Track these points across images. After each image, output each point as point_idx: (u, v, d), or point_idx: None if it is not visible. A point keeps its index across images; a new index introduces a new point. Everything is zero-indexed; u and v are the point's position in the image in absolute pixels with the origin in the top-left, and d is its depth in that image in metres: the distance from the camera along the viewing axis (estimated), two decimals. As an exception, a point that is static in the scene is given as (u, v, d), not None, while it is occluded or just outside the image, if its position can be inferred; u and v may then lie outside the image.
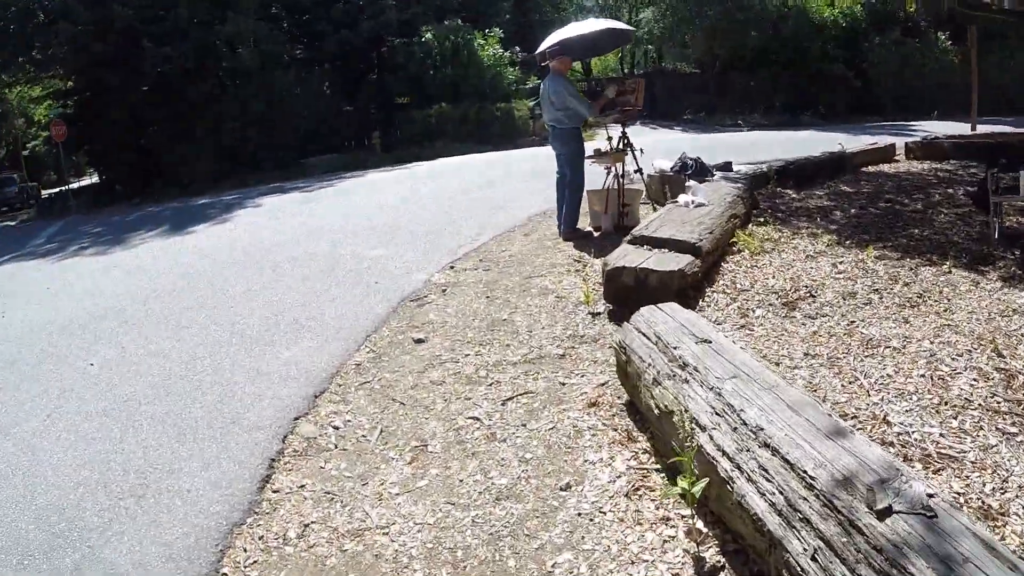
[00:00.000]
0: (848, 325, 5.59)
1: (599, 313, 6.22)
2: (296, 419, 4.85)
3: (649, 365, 3.91)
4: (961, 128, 24.32)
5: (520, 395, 4.84)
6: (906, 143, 16.51)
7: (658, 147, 19.26)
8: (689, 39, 33.82)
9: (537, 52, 9.54)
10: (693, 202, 8.34)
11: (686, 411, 3.45)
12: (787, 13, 33.62)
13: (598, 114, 9.17)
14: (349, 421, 4.78)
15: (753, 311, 6.09)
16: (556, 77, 8.88)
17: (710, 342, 3.83)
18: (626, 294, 6.06)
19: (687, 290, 6.25)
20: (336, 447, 4.48)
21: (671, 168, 11.48)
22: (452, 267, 8.32)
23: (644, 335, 4.21)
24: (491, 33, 27.20)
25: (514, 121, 26.05)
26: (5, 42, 24.57)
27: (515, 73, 27.62)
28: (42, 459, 4.64)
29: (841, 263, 7.34)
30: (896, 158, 16.04)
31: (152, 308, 7.73)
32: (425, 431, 4.54)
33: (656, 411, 3.74)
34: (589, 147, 9.26)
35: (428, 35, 26.29)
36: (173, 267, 9.61)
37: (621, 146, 9.57)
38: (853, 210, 10.18)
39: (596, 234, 9.32)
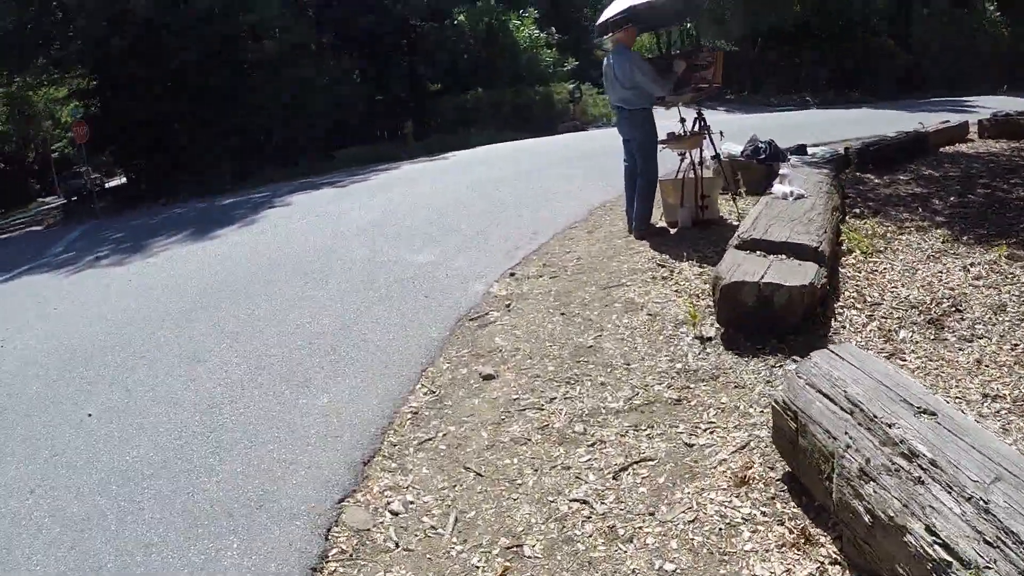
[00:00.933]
0: (1013, 350, 4.56)
1: (709, 339, 5.04)
2: (341, 500, 3.70)
3: (849, 448, 2.71)
4: (1017, 103, 23.14)
5: (636, 463, 3.67)
6: (979, 121, 15.37)
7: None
8: (728, 14, 32.35)
9: (599, 23, 8.36)
10: (792, 193, 7.16)
11: (930, 531, 2.28)
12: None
13: (672, 92, 7.94)
14: (411, 503, 3.62)
15: (896, 332, 4.97)
16: (622, 50, 7.71)
17: (935, 414, 2.64)
18: (745, 315, 4.91)
19: (815, 307, 5.08)
20: (398, 545, 3.32)
21: (741, 152, 10.32)
22: (513, 274, 7.18)
23: (828, 397, 3.00)
24: (526, 14, 25.92)
25: (553, 105, 24.78)
26: (24, 41, 23.60)
27: (552, 55, 26.34)
28: (18, 561, 3.55)
29: (972, 266, 6.26)
30: (970, 137, 14.90)
31: (165, 336, 6.59)
32: (516, 520, 3.38)
33: (868, 518, 2.55)
34: (661, 131, 8.03)
35: (461, 17, 25.05)
36: (193, 281, 8.48)
37: (698, 128, 8.37)
38: (952, 198, 9.10)
39: (672, 230, 8.16)
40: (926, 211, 8.47)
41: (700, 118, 8.33)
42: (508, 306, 6.25)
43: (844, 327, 5.09)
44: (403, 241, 8.89)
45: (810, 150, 12.68)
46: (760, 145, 10.85)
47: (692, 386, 4.43)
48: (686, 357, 4.83)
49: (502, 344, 5.42)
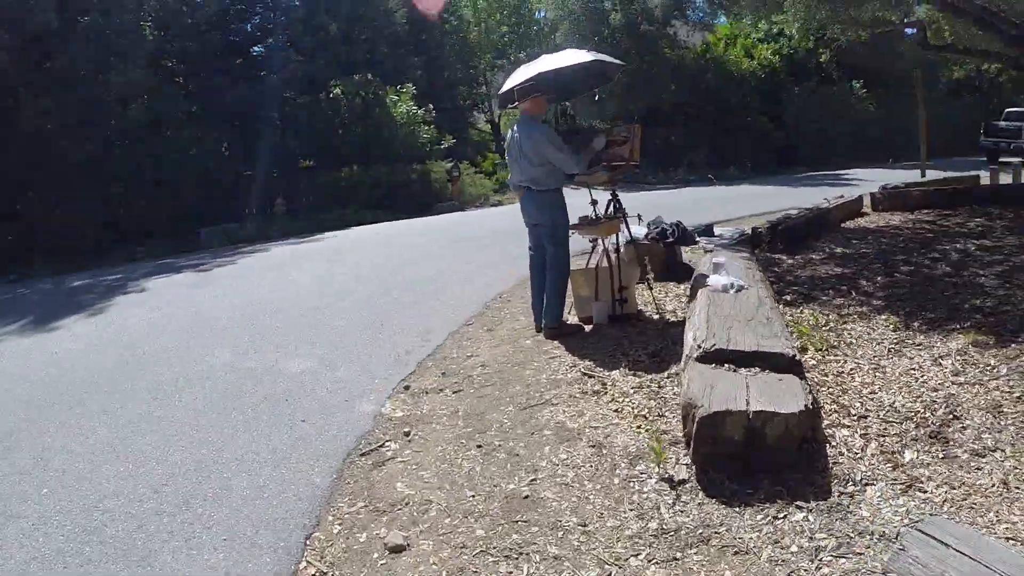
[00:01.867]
0: (1035, 463, 3.82)
1: (682, 482, 3.94)
2: None
3: None
4: (891, 175, 24.11)
5: None
6: (871, 195, 15.48)
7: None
8: (605, 95, 32.33)
9: (502, 91, 7.40)
10: (732, 285, 6.24)
11: None
12: (705, 66, 32.51)
13: (586, 170, 6.99)
14: None
15: (901, 454, 4.13)
16: (530, 123, 6.77)
17: None
18: (729, 453, 3.85)
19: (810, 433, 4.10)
20: None
21: (645, 235, 9.51)
22: (407, 387, 5.96)
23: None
24: (404, 89, 24.97)
25: (430, 184, 23.69)
26: None
27: (430, 131, 25.39)
28: None
29: (942, 358, 5.71)
30: (864, 210, 14.95)
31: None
32: None
33: None
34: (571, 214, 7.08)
35: (336, 90, 23.88)
36: (18, 389, 6.76)
37: (612, 212, 7.44)
38: (879, 278, 8.75)
39: (587, 327, 7.14)
40: (859, 294, 7.99)
41: (614, 200, 7.42)
42: (407, 434, 5.01)
43: (842, 453, 4.13)
44: (273, 342, 7.54)
45: (716, 230, 12.05)
46: (666, 227, 10.07)
47: (680, 556, 3.29)
48: (658, 510, 3.71)
49: (407, 493, 4.16)
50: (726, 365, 4.52)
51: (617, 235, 7.37)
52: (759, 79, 33.68)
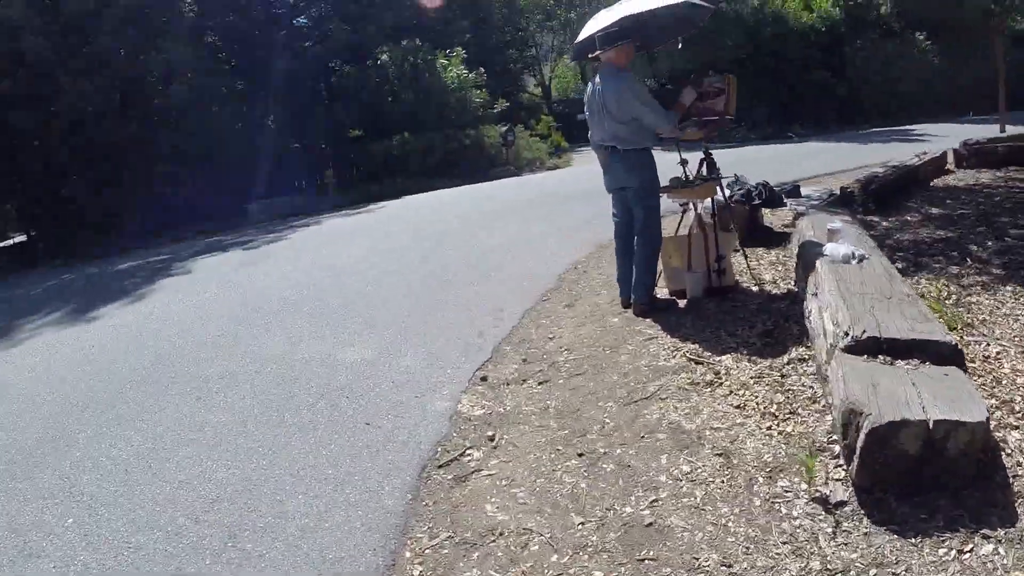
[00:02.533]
0: None
1: (841, 504, 3.14)
2: None
3: None
4: (962, 130, 22.56)
5: None
6: (955, 151, 14.24)
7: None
8: (659, 51, 31.13)
9: (580, 39, 6.57)
10: (854, 255, 5.37)
11: None
12: (764, 19, 31.10)
13: (677, 126, 6.14)
14: None
15: None
16: (615, 74, 5.92)
17: None
18: (902, 470, 3.05)
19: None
20: None
21: (729, 197, 8.62)
22: (485, 379, 5.22)
23: None
24: (453, 53, 24.10)
25: (484, 150, 22.89)
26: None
27: (482, 96, 24.52)
28: None
29: None
30: (949, 167, 13.81)
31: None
32: None
33: None
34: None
35: (384, 57, 23.09)
36: (50, 391, 6.06)
37: (707, 173, 6.59)
38: (989, 243, 7.72)
39: (681, 303, 6.31)
40: (974, 261, 7.01)
41: (708, 158, 6.56)
42: (492, 438, 4.26)
43: (1020, 463, 3.27)
44: (329, 326, 6.84)
45: (803, 191, 11.13)
46: (751, 187, 9.19)
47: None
48: (816, 542, 2.93)
49: (500, 519, 3.41)
50: (880, 357, 3.69)
51: (713, 198, 6.53)
52: (819, 32, 32.15)
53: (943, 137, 21.55)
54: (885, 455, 3.05)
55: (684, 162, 6.47)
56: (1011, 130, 19.10)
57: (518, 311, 6.69)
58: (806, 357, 4.77)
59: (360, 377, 5.43)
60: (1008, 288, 6.13)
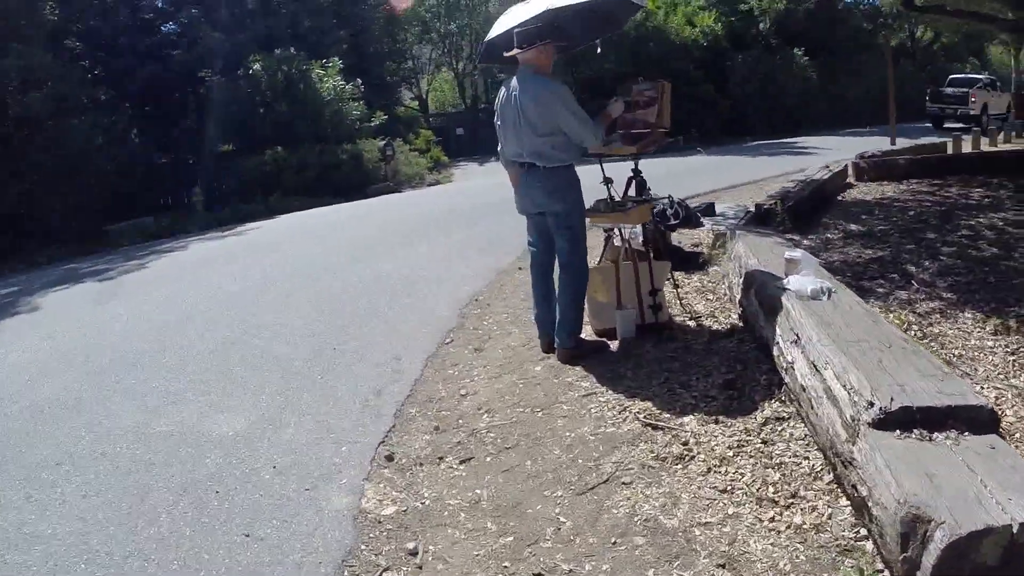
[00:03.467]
0: None
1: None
2: None
3: None
4: (842, 142, 23.96)
5: None
6: (855, 164, 14.08)
7: None
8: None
9: (488, 38, 5.64)
10: (824, 290, 4.60)
11: None
12: (647, 34, 30.91)
13: (604, 140, 5.25)
14: None
15: None
16: (536, 79, 4.99)
17: None
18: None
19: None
20: None
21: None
22: (391, 456, 4.17)
23: None
24: (330, 63, 22.81)
25: (363, 165, 21.57)
26: None
27: (360, 108, 23.28)
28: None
29: None
30: (849, 181, 13.65)
31: None
32: None
33: None
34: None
35: (256, 66, 21.60)
36: None
37: (638, 194, 5.75)
38: (925, 262, 7.32)
39: (612, 344, 5.41)
40: (920, 284, 6.53)
41: (637, 177, 5.72)
42: (413, 553, 3.20)
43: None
44: (194, 385, 5.60)
45: (718, 208, 10.47)
46: (665, 206, 8.42)
47: None
48: None
49: None
50: (915, 431, 2.85)
51: (645, 225, 5.69)
52: (702, 48, 32.46)
53: (828, 150, 21.71)
54: (961, 570, 2.22)
55: (608, 180, 5.60)
56: (900, 142, 19.22)
57: (419, 358, 5.66)
58: (785, 416, 3.97)
59: (233, 459, 4.26)
60: (967, 315, 5.69)
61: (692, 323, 5.85)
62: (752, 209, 9.63)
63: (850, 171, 13.96)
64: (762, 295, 4.93)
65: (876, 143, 20.68)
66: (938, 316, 5.69)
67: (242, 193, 20.33)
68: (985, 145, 21.75)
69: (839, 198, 11.95)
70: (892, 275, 6.95)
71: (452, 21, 32.82)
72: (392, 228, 12.03)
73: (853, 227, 9.45)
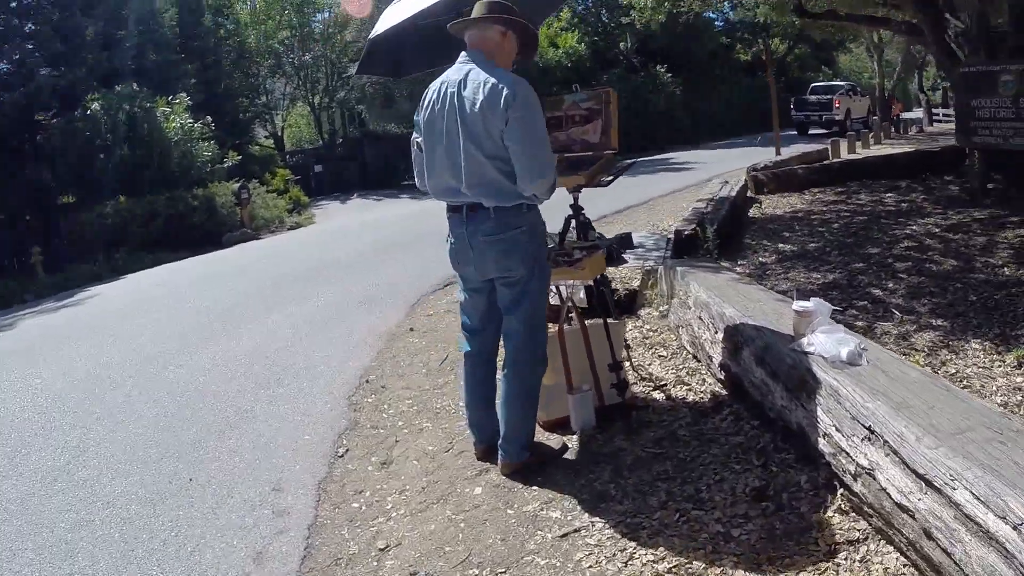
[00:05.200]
0: None
1: None
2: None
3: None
4: (710, 155, 24.74)
5: None
6: (754, 177, 13.26)
7: (416, 226, 14.54)
8: (406, 94, 29.24)
9: (375, 34, 4.17)
10: (859, 351, 3.36)
11: None
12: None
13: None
14: None
15: None
16: (494, 71, 3.42)
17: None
18: None
19: None
20: None
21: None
22: None
23: None
24: (176, 100, 20.72)
25: (216, 211, 19.35)
26: None
27: (211, 149, 21.19)
28: None
29: None
30: (750, 196, 12.78)
31: None
32: None
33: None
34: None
35: (95, 105, 19.28)
36: None
37: (581, 236, 4.39)
38: (889, 283, 6.53)
39: (569, 441, 4.02)
40: (901, 313, 5.63)
41: (578, 216, 4.36)
42: None
43: None
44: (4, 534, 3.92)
45: (635, 238, 9.22)
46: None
47: None
48: None
49: None
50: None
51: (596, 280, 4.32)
52: (565, 68, 31.96)
53: (705, 163, 21.20)
54: None
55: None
56: (769, 151, 18.75)
57: (307, 486, 4.06)
58: (859, 536, 2.84)
59: None
60: (975, 345, 4.84)
61: (658, 395, 4.52)
62: (671, 236, 8.39)
63: (749, 184, 13.09)
64: (773, 363, 3.64)
65: (751, 154, 20.32)
66: (945, 351, 4.77)
67: (83, 251, 17.99)
68: (859, 148, 21.69)
69: (751, 215, 10.96)
70: (861, 302, 6.02)
71: (306, 52, 30.93)
72: (253, 288, 10.01)
73: (783, 247, 8.48)
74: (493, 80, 3.33)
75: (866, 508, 2.85)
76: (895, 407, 2.79)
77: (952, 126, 31.76)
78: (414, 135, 3.72)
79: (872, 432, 2.80)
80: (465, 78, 3.41)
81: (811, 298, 3.73)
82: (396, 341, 6.75)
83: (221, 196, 19.78)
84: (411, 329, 7.09)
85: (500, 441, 3.74)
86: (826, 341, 3.43)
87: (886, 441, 2.71)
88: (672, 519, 3.12)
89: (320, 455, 4.42)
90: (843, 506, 3.01)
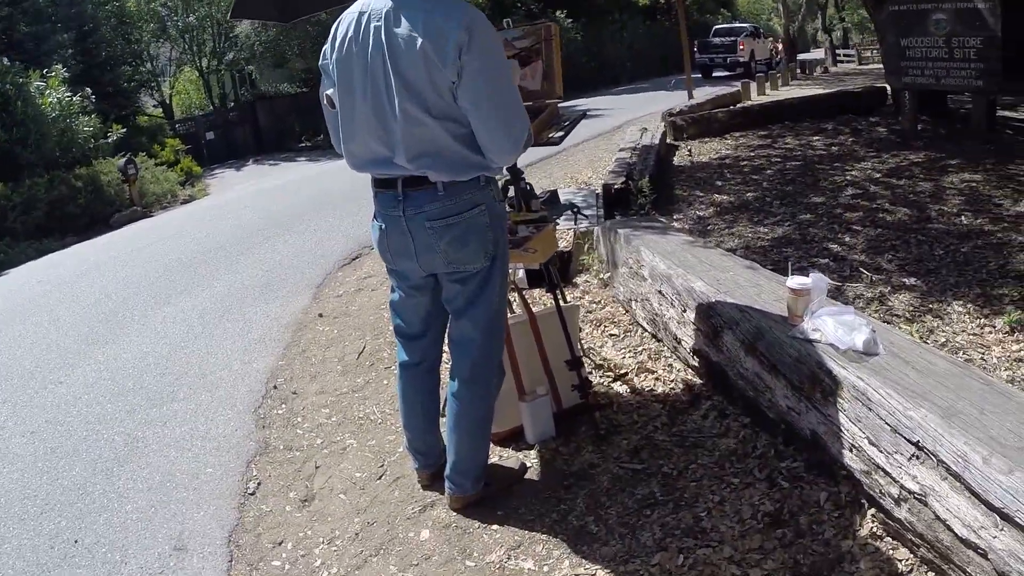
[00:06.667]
0: None
1: None
2: None
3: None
4: (617, 101, 24.40)
5: None
6: (672, 123, 12.63)
7: (315, 191, 13.78)
8: (298, 51, 27.91)
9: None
10: (874, 338, 2.76)
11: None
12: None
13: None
14: None
15: None
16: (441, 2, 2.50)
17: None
18: None
19: None
20: None
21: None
22: None
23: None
24: (52, 73, 19.11)
25: (103, 191, 17.75)
26: None
27: (93, 123, 19.61)
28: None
29: None
30: (670, 143, 12.10)
31: None
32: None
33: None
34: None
35: None
36: None
37: (524, 206, 3.66)
38: (846, 237, 5.99)
39: (526, 458, 3.37)
40: (870, 272, 5.09)
41: (519, 182, 3.65)
42: None
43: None
44: None
45: (562, 195, 8.51)
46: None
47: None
48: None
49: None
50: None
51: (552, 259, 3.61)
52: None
53: (613, 110, 20.60)
54: None
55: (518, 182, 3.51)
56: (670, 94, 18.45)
57: (216, 539, 3.29)
58: (906, 571, 2.32)
59: None
60: (957, 307, 4.35)
61: (620, 387, 3.88)
62: (599, 192, 7.76)
63: (668, 131, 12.59)
64: (770, 353, 3.03)
65: (657, 99, 19.85)
66: (929, 317, 4.26)
67: (-42, 245, 16.39)
68: (767, 90, 21.52)
69: (675, 163, 10.42)
70: (821, 260, 5.46)
71: (191, 13, 29.15)
72: (141, 278, 8.73)
73: (719, 198, 7.96)
74: (437, 13, 2.46)
75: (911, 536, 2.30)
76: (944, 416, 2.22)
77: (855, 66, 32.34)
78: (323, 85, 2.83)
79: (921, 449, 2.22)
80: (396, 6, 2.52)
81: (812, 275, 3.11)
82: (303, 332, 5.96)
83: (106, 174, 18.25)
84: (320, 315, 6.28)
85: (449, 471, 3.02)
86: (836, 327, 2.84)
87: (941, 461, 2.14)
88: (675, 563, 2.50)
89: (227, 493, 3.64)
90: (876, 530, 2.47)
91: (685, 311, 3.82)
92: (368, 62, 2.57)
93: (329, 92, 2.75)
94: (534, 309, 3.52)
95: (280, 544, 3.15)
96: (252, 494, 3.60)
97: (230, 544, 3.22)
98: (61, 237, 15.42)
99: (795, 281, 3.06)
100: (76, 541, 3.43)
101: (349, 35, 2.61)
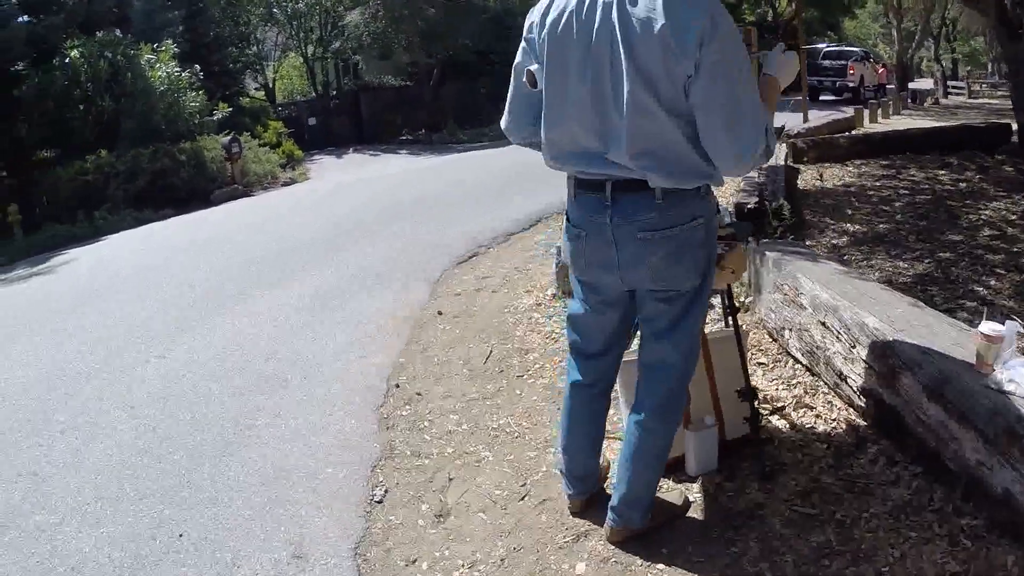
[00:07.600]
0: None
1: None
2: None
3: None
4: None
5: None
6: (793, 144, 12.18)
7: (420, 185, 13.22)
8: (405, 45, 27.96)
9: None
10: None
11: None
12: (515, 9, 28.78)
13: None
14: None
15: None
16: None
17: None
18: None
19: None
20: None
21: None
22: None
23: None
24: (162, 47, 19.41)
25: (205, 167, 17.96)
26: None
27: (200, 99, 19.87)
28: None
29: None
30: (791, 165, 11.75)
31: None
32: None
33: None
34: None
35: (74, 52, 17.93)
36: None
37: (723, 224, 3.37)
38: (991, 280, 5.74)
39: (690, 493, 3.10)
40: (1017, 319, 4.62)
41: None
42: None
43: None
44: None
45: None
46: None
47: None
48: None
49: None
50: None
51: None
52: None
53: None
54: None
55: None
56: (791, 118, 17.96)
57: (341, 550, 3.03)
58: None
59: None
60: None
61: (778, 421, 3.60)
62: (731, 209, 7.45)
63: (788, 152, 12.25)
64: (959, 401, 2.76)
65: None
66: None
67: (62, 210, 16.75)
68: (879, 118, 20.90)
69: (800, 187, 10.08)
70: (968, 302, 5.15)
71: (299, 1, 29.50)
72: (239, 259, 8.47)
73: (849, 227, 7.64)
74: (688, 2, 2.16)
75: None
76: None
77: (964, 99, 31.35)
78: (521, 59, 2.53)
79: None
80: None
81: (1009, 324, 2.81)
82: (423, 330, 5.73)
83: (210, 150, 18.47)
84: (439, 313, 6.03)
85: (616, 502, 2.76)
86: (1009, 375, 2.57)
87: None
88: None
89: (351, 499, 3.41)
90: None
91: (855, 347, 3.52)
92: (593, 41, 2.28)
93: (532, 68, 2.48)
94: (707, 334, 3.26)
95: (414, 563, 2.92)
96: (379, 502, 3.37)
97: (356, 557, 3.00)
98: (160, 208, 15.62)
99: (989, 327, 2.76)
100: (181, 535, 3.23)
101: (570, 8, 2.32)
